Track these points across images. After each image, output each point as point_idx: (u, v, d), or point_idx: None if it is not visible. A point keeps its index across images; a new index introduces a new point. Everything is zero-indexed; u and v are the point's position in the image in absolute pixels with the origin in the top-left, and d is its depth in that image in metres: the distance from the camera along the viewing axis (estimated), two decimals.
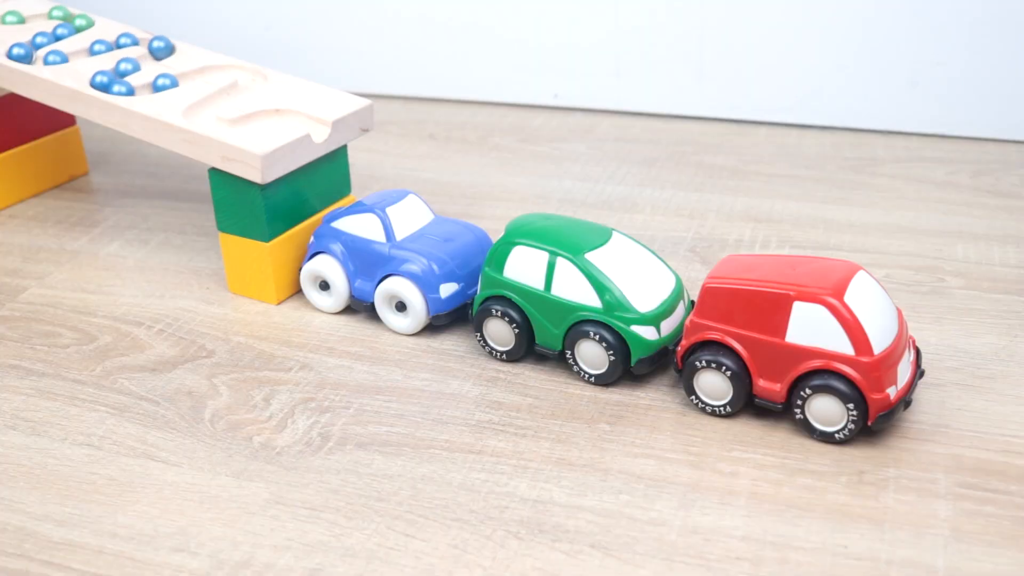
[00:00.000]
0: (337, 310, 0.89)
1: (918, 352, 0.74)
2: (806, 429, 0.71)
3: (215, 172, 0.88)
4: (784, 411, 0.73)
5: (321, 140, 0.90)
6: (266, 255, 0.89)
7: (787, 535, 0.64)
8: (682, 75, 1.27)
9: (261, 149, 0.84)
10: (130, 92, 0.90)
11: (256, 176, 0.85)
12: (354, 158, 1.18)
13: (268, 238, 0.88)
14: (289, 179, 0.89)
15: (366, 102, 0.94)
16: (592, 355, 0.77)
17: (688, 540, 0.64)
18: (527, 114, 1.32)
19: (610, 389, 0.78)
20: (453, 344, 0.84)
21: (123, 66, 0.94)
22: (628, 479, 0.69)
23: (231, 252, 0.91)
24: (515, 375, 0.80)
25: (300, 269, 0.90)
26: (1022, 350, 0.80)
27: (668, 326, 0.77)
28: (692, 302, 0.80)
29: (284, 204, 0.89)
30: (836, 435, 0.70)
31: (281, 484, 0.70)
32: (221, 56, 1.00)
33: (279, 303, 0.91)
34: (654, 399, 0.77)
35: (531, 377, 0.80)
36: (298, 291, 0.92)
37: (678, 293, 0.78)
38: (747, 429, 0.73)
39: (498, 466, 0.71)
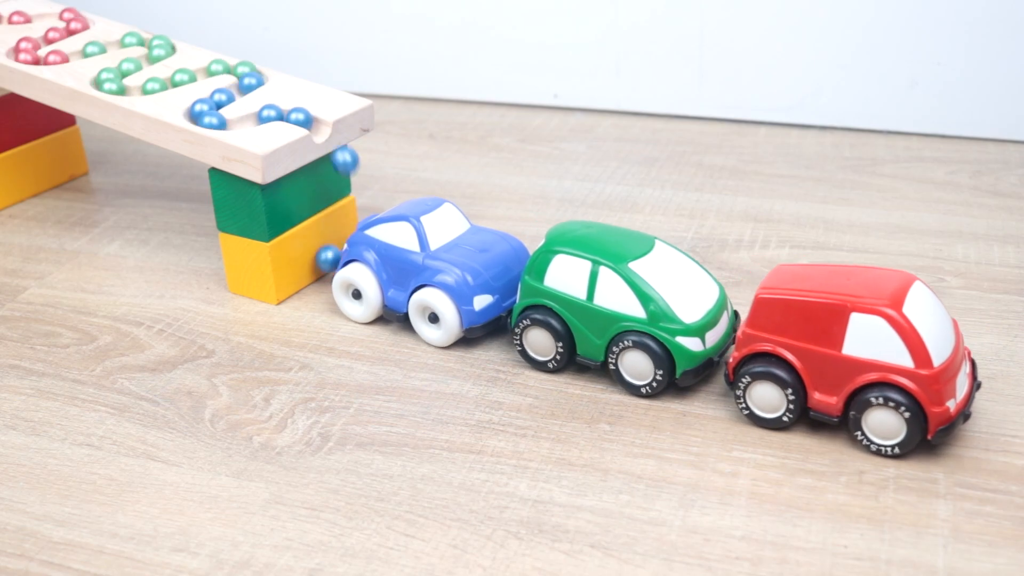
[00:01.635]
0: (368, 320, 0.87)
1: (973, 363, 0.73)
2: (863, 442, 0.70)
3: (215, 172, 0.88)
4: (840, 424, 0.71)
5: (321, 140, 0.90)
6: (266, 255, 0.89)
7: (787, 535, 0.64)
8: (682, 75, 1.27)
9: (261, 149, 0.84)
10: (222, 125, 0.88)
11: (256, 176, 0.85)
12: None
13: (268, 238, 0.88)
14: (289, 179, 0.89)
15: (366, 102, 0.94)
16: (636, 366, 0.76)
17: (688, 540, 0.64)
18: (527, 114, 1.32)
19: (610, 389, 0.78)
20: (453, 344, 0.84)
21: (218, 96, 0.91)
22: (628, 479, 0.69)
23: (231, 252, 0.91)
24: (515, 375, 0.80)
25: (332, 277, 0.88)
26: (1022, 350, 0.80)
27: (713, 337, 0.75)
28: (736, 313, 0.79)
29: (284, 204, 0.89)
30: (893, 449, 0.69)
31: (281, 484, 0.70)
32: (221, 56, 1.00)
33: (279, 303, 0.91)
34: (654, 399, 0.77)
35: (531, 377, 0.80)
36: (299, 291, 0.92)
37: (722, 303, 0.77)
38: (747, 429, 0.73)
39: (498, 466, 0.71)
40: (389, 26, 1.36)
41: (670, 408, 0.76)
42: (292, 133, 0.87)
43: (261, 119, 0.90)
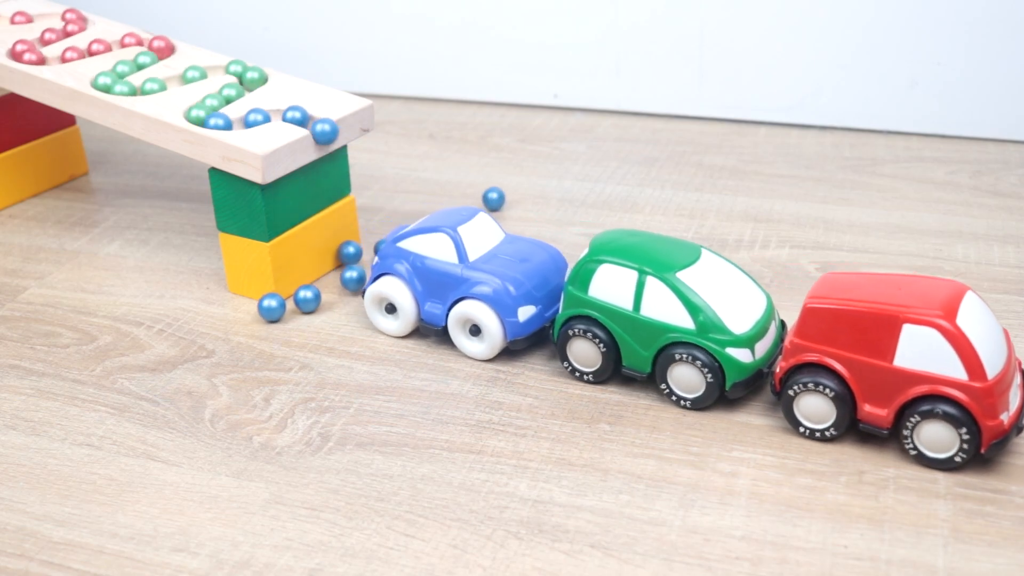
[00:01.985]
0: (403, 334, 0.85)
1: None
2: (914, 456, 0.69)
3: (215, 172, 0.88)
4: (890, 437, 0.70)
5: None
6: (266, 255, 0.89)
7: (787, 535, 0.64)
8: (682, 75, 1.27)
9: (261, 149, 0.84)
10: (228, 125, 0.87)
11: (256, 176, 0.85)
12: (354, 158, 1.18)
13: (268, 238, 0.88)
14: (289, 179, 0.89)
15: (366, 102, 0.94)
16: (685, 378, 0.74)
17: (688, 540, 0.64)
18: (527, 114, 1.32)
19: (610, 389, 0.78)
20: (454, 345, 0.84)
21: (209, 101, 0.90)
22: (628, 479, 0.69)
23: (231, 252, 0.91)
24: (515, 375, 0.80)
25: (363, 292, 0.85)
26: (1022, 350, 0.80)
27: (762, 348, 0.74)
28: (783, 322, 0.78)
29: (284, 204, 0.89)
30: (946, 462, 0.68)
31: (281, 484, 0.70)
32: (221, 56, 1.00)
33: None
34: (654, 399, 0.77)
35: (531, 377, 0.80)
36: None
37: (770, 313, 0.75)
38: (747, 429, 0.73)
39: (498, 466, 0.71)
40: (389, 26, 1.36)
41: (670, 408, 0.76)
42: (292, 133, 0.87)
43: (248, 123, 0.89)
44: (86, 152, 1.22)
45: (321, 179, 0.92)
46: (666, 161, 1.17)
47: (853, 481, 0.68)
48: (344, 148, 0.94)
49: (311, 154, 0.89)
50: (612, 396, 0.77)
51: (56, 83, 0.94)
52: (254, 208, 0.87)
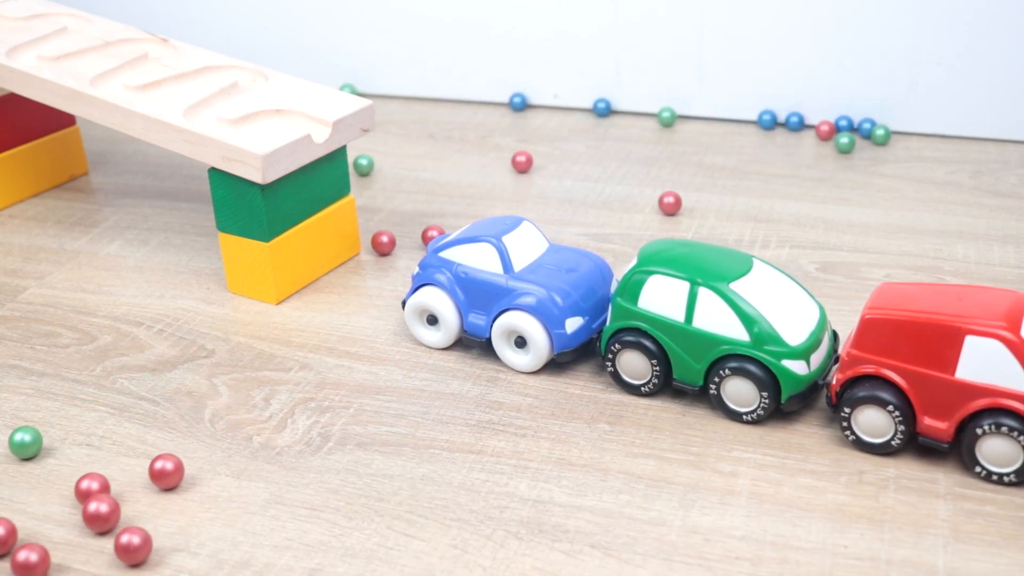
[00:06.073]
0: (446, 345, 0.83)
1: None
2: (973, 468, 0.67)
3: (215, 172, 0.88)
4: (950, 450, 0.69)
5: (321, 140, 0.90)
6: (266, 255, 0.89)
7: (787, 535, 0.64)
8: (682, 75, 1.27)
9: (262, 149, 0.84)
10: None
11: (257, 176, 0.85)
12: (354, 158, 1.18)
13: (268, 238, 0.88)
14: (289, 179, 0.89)
15: (366, 102, 0.94)
16: (738, 392, 0.73)
17: (688, 540, 0.64)
18: (527, 114, 1.32)
19: (610, 389, 0.78)
20: (452, 344, 0.84)
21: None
22: (628, 479, 0.69)
23: (231, 252, 0.91)
24: (515, 375, 0.80)
25: (403, 303, 0.83)
26: None
27: (816, 359, 0.72)
28: (835, 333, 0.76)
29: (284, 204, 0.89)
30: (1006, 477, 0.67)
31: (281, 484, 0.70)
32: (221, 56, 1.00)
33: (279, 303, 0.91)
34: (654, 399, 0.77)
35: (531, 377, 0.80)
36: (298, 291, 0.92)
37: (823, 324, 0.74)
38: (747, 429, 0.73)
39: (498, 466, 0.71)
40: (389, 26, 1.36)
41: (670, 408, 0.76)
42: (292, 133, 0.87)
43: None
44: (86, 152, 1.22)
45: (321, 179, 0.92)
46: (666, 161, 1.17)
47: (853, 481, 0.68)
48: (344, 148, 0.94)
49: (311, 154, 0.89)
50: (612, 396, 0.77)
51: (56, 83, 0.94)
52: (254, 208, 0.87)
